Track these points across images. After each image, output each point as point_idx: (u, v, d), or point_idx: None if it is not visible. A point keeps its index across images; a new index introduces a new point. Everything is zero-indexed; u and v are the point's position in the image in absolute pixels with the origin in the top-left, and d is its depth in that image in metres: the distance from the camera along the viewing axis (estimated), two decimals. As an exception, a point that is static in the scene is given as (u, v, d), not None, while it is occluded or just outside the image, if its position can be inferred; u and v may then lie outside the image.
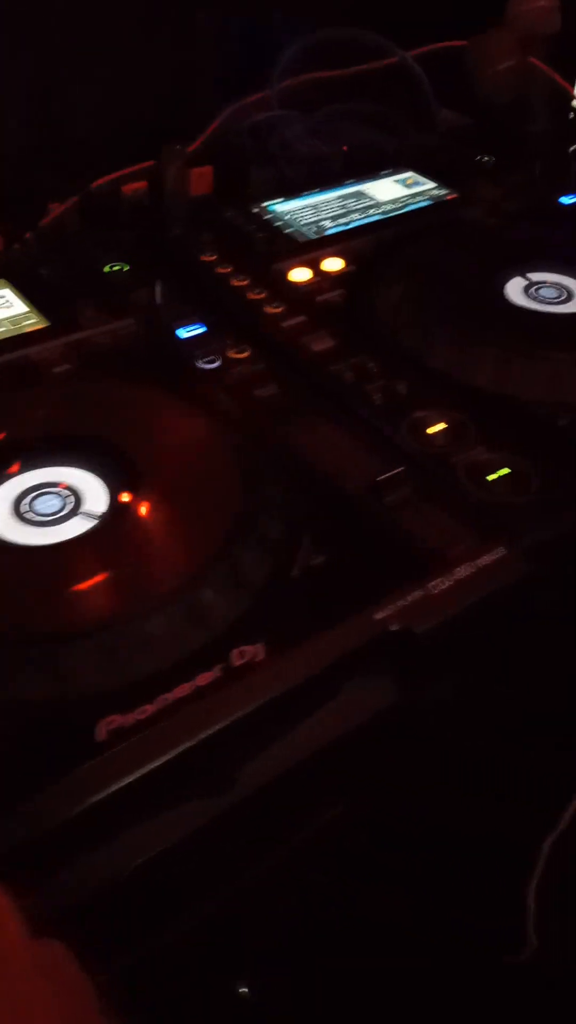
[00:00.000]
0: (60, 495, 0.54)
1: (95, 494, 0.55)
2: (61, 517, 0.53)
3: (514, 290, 0.74)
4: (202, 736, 0.43)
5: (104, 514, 0.53)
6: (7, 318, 0.73)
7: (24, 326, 0.72)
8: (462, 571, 0.51)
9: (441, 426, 0.61)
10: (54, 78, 0.93)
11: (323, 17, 1.00)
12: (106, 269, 0.79)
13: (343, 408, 0.64)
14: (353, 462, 0.59)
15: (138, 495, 0.54)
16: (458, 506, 0.56)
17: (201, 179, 0.97)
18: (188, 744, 0.43)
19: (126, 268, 0.79)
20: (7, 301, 0.75)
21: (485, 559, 0.52)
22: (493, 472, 0.57)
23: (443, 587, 0.50)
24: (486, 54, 1.02)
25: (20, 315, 0.73)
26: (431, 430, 0.61)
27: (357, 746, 0.49)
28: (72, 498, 0.54)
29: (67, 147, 0.95)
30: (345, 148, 1.01)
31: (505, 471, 0.57)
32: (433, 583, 0.50)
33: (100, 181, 0.91)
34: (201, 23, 1.02)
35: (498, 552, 0.52)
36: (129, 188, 0.90)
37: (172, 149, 0.81)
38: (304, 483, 0.57)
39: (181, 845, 0.43)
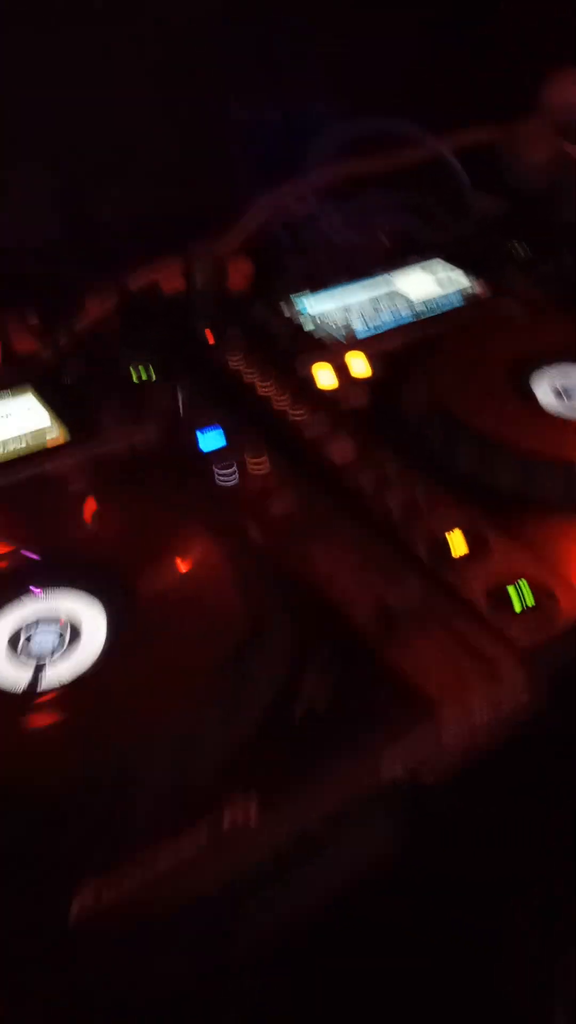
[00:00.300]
0: (58, 631, 0.53)
1: (93, 627, 0.53)
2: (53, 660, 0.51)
3: (544, 392, 0.71)
4: (184, 902, 0.41)
5: (91, 667, 0.51)
6: (29, 432, 0.72)
7: (45, 440, 0.71)
8: (478, 713, 0.48)
9: (458, 537, 0.58)
10: (86, 168, 0.95)
11: (358, 105, 1.00)
12: (131, 371, 0.79)
13: (360, 521, 0.62)
14: (365, 585, 0.56)
15: (132, 638, 0.52)
16: (475, 636, 0.52)
17: (239, 272, 0.97)
18: (172, 909, 0.41)
19: (151, 369, 0.79)
20: (30, 410, 0.75)
21: (503, 700, 0.49)
22: (512, 582, 0.54)
23: (456, 731, 0.47)
24: (521, 143, 1.01)
25: (42, 428, 0.73)
26: (450, 543, 0.58)
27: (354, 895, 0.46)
28: (67, 635, 0.53)
29: (98, 238, 0.97)
30: (382, 239, 1.02)
31: (529, 601, 0.53)
32: (445, 727, 0.47)
33: (135, 276, 0.91)
34: (235, 111, 1.04)
35: (517, 690, 0.49)
36: (169, 287, 0.91)
37: (200, 249, 0.82)
38: (312, 612, 0.54)
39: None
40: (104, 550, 0.59)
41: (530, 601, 0.54)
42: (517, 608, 0.54)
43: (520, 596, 0.54)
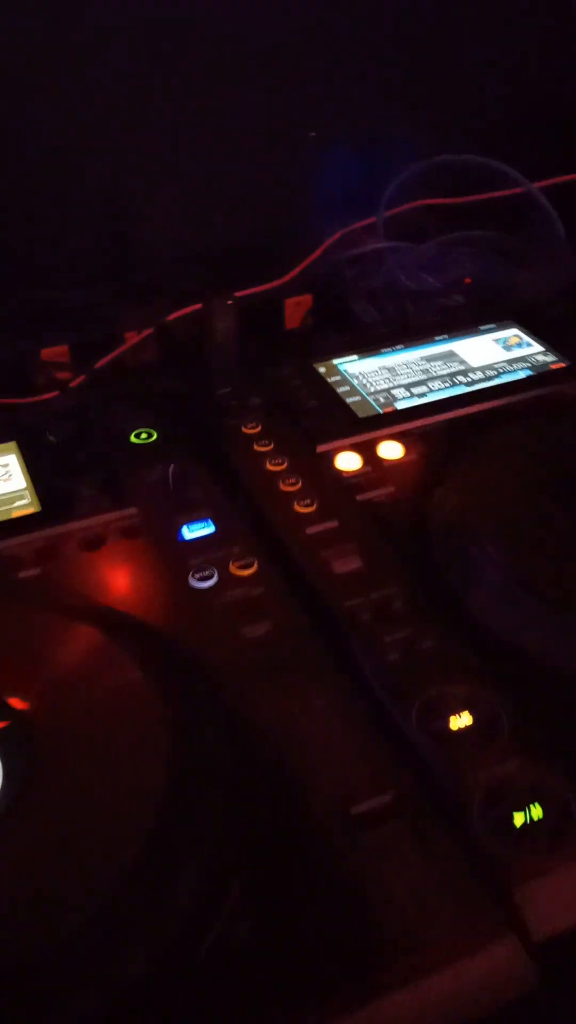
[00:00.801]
0: None
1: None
2: None
3: None
4: None
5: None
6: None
7: (12, 508, 0.62)
8: (459, 973, 0.36)
9: (464, 719, 0.45)
10: (136, 199, 0.86)
11: (441, 141, 0.89)
12: (132, 437, 0.69)
13: (347, 665, 0.50)
14: (334, 761, 0.44)
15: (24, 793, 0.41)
16: (465, 860, 0.40)
17: (298, 309, 0.89)
18: None
19: (153, 436, 0.69)
20: (7, 472, 0.66)
21: (495, 956, 0.36)
22: (521, 808, 0.41)
23: (426, 997, 0.35)
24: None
25: (14, 493, 0.64)
26: (451, 723, 0.45)
27: None
28: None
29: (144, 271, 0.88)
30: (468, 280, 0.90)
31: (537, 812, 0.41)
32: (411, 986, 0.35)
33: (176, 314, 0.83)
34: (312, 141, 0.93)
35: (511, 947, 0.36)
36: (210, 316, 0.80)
37: (219, 302, 0.71)
38: (256, 789, 0.43)
39: None
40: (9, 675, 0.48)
41: (537, 815, 0.41)
42: (518, 822, 0.41)
43: (527, 815, 0.41)
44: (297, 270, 0.90)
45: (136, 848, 0.37)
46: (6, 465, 0.66)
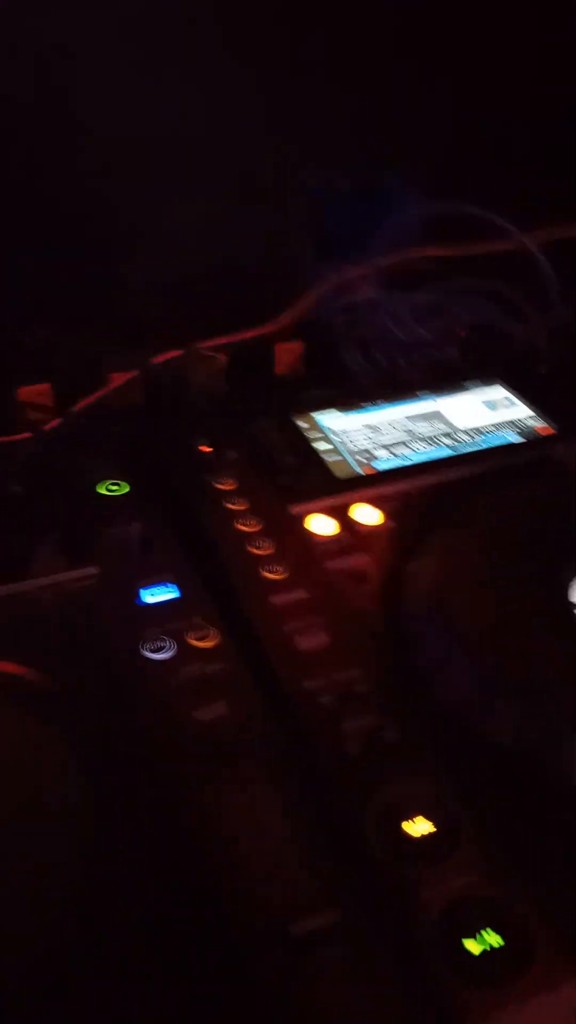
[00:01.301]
0: None
1: None
2: None
3: None
4: None
5: None
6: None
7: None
8: None
9: (425, 827, 0.41)
10: (120, 234, 0.85)
11: (438, 190, 0.87)
12: (99, 488, 0.65)
13: (304, 754, 0.46)
14: (276, 874, 0.40)
15: None
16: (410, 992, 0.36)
17: (287, 355, 0.86)
18: None
19: (123, 489, 0.65)
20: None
21: None
22: (474, 935, 0.37)
23: None
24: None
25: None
26: (409, 829, 0.41)
27: None
28: None
29: (127, 312, 0.85)
30: (463, 333, 0.87)
31: (495, 941, 0.37)
32: None
33: (162, 357, 0.80)
34: (302, 182, 0.91)
35: None
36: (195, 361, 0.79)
37: (198, 351, 0.69)
38: (187, 899, 0.38)
39: None
40: None
41: (496, 942, 0.37)
42: (476, 951, 0.37)
43: (483, 942, 0.37)
44: (288, 316, 0.88)
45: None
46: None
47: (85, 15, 0.74)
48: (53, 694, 0.47)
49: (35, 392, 0.78)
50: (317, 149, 0.89)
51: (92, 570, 0.58)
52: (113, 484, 0.66)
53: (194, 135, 0.83)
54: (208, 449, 0.69)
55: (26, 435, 0.73)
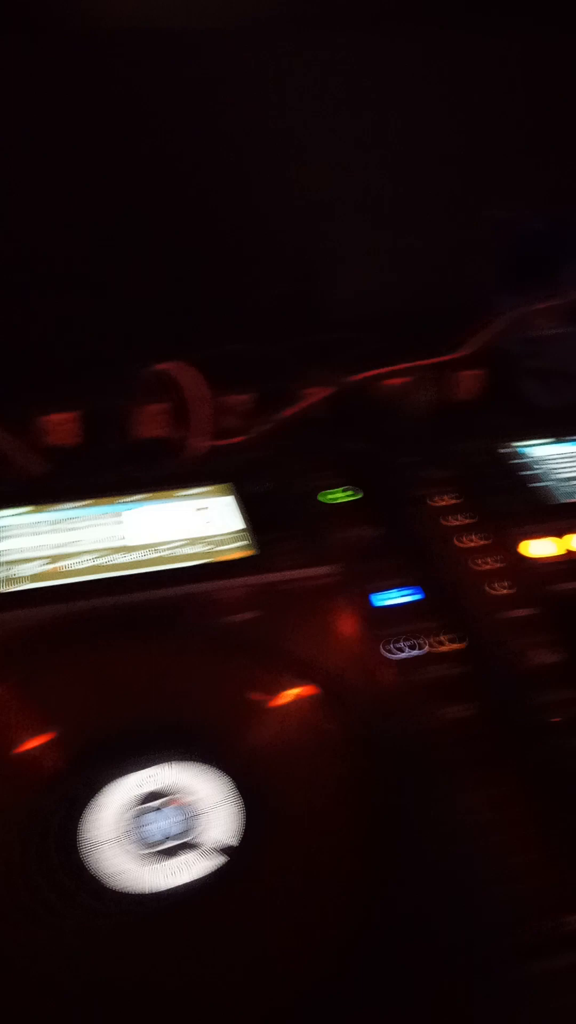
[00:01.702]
0: (176, 812, 0.46)
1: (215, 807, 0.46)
2: (177, 846, 0.45)
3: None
4: None
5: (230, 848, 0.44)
6: (216, 536, 0.66)
7: (228, 550, 0.65)
8: None
9: None
10: (323, 259, 0.91)
11: None
12: (331, 495, 0.72)
13: (527, 779, 0.47)
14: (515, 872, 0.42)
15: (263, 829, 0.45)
16: None
17: (468, 383, 0.90)
18: None
19: (356, 496, 0.72)
20: (230, 511, 0.69)
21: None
22: None
23: None
24: None
25: (231, 534, 0.67)
26: None
27: None
28: (188, 820, 0.46)
29: (327, 329, 0.90)
30: None
31: None
32: None
33: (359, 376, 0.86)
34: (491, 216, 0.95)
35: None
36: (388, 383, 0.85)
37: (423, 373, 0.74)
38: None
39: None
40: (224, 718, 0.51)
41: None
42: None
43: None
44: (472, 344, 0.91)
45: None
46: (228, 505, 0.71)
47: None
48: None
49: (236, 401, 0.84)
50: (506, 184, 0.93)
51: (328, 569, 0.63)
52: (340, 491, 0.72)
53: (389, 171, 0.89)
54: (418, 467, 0.74)
55: (239, 438, 0.80)
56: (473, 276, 0.96)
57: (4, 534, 0.65)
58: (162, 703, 0.52)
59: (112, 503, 0.69)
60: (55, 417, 0.73)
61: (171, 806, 0.46)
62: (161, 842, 0.44)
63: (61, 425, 0.73)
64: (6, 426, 0.72)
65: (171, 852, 0.44)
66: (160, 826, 0.45)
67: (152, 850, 0.44)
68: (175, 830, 0.45)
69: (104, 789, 0.46)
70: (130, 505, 0.69)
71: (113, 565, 0.63)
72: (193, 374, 0.78)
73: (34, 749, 0.48)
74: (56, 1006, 0.37)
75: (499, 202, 0.94)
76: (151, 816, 0.45)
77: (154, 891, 0.42)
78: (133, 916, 0.41)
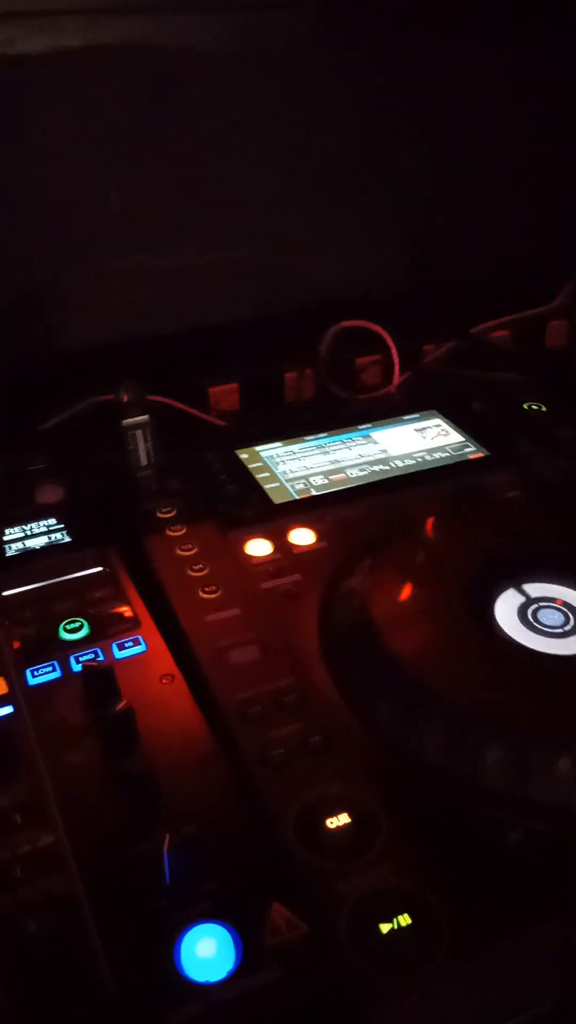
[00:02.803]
0: (560, 610, 0.55)
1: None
2: (566, 631, 0.54)
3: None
4: None
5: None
6: (448, 445, 0.77)
7: (466, 453, 0.75)
8: None
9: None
10: (433, 223, 0.99)
11: None
12: (524, 406, 0.82)
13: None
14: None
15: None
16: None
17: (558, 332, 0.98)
18: None
19: (543, 408, 0.82)
20: (443, 430, 0.79)
21: None
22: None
23: None
24: None
25: (458, 443, 0.77)
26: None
27: None
28: (571, 615, 0.55)
29: (444, 291, 0.99)
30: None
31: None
32: None
33: (476, 329, 0.95)
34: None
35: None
36: (496, 335, 0.95)
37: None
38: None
39: None
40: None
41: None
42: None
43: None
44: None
45: None
46: (439, 425, 0.81)
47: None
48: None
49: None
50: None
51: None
52: (534, 405, 0.84)
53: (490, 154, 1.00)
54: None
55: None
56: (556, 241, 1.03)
57: (278, 460, 0.75)
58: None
59: (351, 431, 0.80)
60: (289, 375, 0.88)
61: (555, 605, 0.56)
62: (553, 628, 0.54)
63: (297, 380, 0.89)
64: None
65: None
66: (548, 616, 0.55)
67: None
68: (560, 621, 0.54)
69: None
70: (365, 431, 0.80)
71: (386, 470, 0.74)
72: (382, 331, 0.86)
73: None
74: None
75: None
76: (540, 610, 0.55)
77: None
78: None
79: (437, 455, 0.76)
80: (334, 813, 0.44)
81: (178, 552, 0.64)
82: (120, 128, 0.79)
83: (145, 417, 0.69)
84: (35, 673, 0.54)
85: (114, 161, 0.81)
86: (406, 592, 0.57)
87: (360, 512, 0.68)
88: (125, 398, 0.68)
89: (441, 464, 0.75)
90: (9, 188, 0.78)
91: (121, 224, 0.83)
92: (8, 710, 0.50)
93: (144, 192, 0.83)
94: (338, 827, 0.44)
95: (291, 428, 0.79)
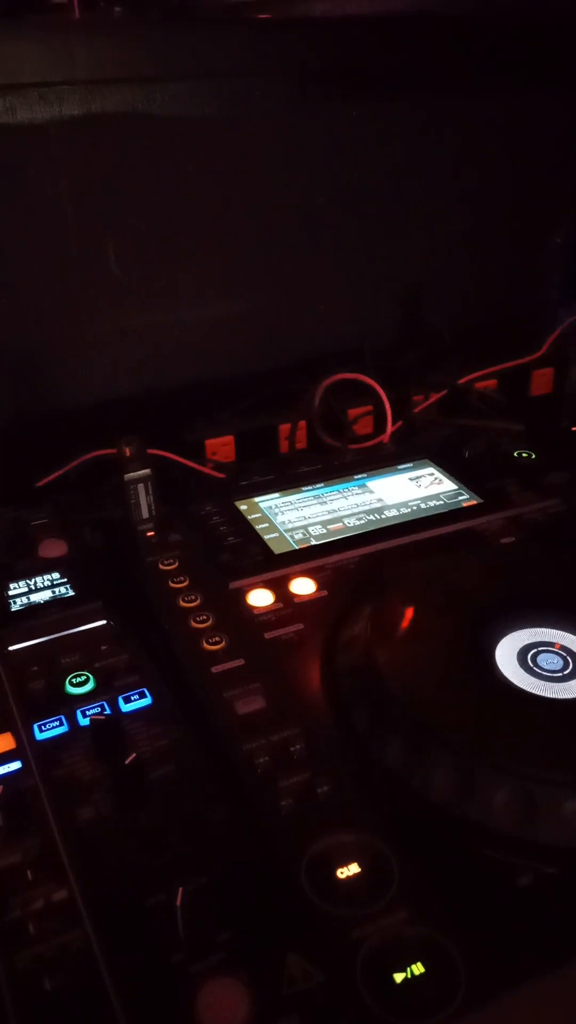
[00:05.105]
0: (559, 655, 0.56)
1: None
2: (565, 675, 0.55)
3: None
4: None
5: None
6: (441, 493, 0.79)
7: (459, 501, 0.77)
8: None
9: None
10: (424, 274, 1.02)
11: None
12: (515, 454, 0.85)
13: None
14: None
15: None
16: None
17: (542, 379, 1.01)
18: None
19: (533, 455, 0.85)
20: (437, 478, 0.82)
21: None
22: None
23: None
24: None
25: (451, 491, 0.79)
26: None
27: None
28: (569, 660, 0.56)
29: (432, 342, 1.02)
30: None
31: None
32: None
33: (464, 380, 0.97)
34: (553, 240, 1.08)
35: None
36: (481, 385, 0.96)
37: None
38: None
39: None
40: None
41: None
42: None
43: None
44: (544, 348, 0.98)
45: None
46: (432, 474, 0.83)
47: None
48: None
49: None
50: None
51: (556, 501, 0.78)
52: (524, 453, 0.85)
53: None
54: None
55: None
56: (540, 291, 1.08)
57: (277, 511, 0.77)
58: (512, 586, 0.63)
59: (347, 480, 0.82)
60: (283, 426, 0.90)
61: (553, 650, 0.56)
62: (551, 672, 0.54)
63: (291, 432, 0.90)
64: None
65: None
66: (547, 660, 0.55)
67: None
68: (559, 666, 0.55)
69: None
70: (361, 481, 0.82)
71: (382, 519, 0.75)
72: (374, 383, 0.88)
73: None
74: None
75: (559, 230, 1.08)
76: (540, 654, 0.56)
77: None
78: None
79: (432, 503, 0.78)
80: (346, 862, 0.44)
81: (181, 603, 0.65)
82: (117, 191, 0.82)
83: (147, 471, 0.70)
84: (43, 728, 0.54)
85: (112, 222, 0.84)
86: (407, 637, 0.58)
87: (359, 560, 0.69)
88: (127, 452, 0.69)
89: (436, 512, 0.76)
90: (11, 249, 0.81)
91: (118, 283, 0.86)
92: (16, 765, 0.50)
93: (142, 251, 0.86)
94: (350, 876, 0.44)
95: (288, 479, 0.80)
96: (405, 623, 0.58)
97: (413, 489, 0.80)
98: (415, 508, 0.77)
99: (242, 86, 0.83)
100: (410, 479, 0.82)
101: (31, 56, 0.74)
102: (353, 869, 0.44)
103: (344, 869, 0.44)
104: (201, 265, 0.88)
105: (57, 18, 0.77)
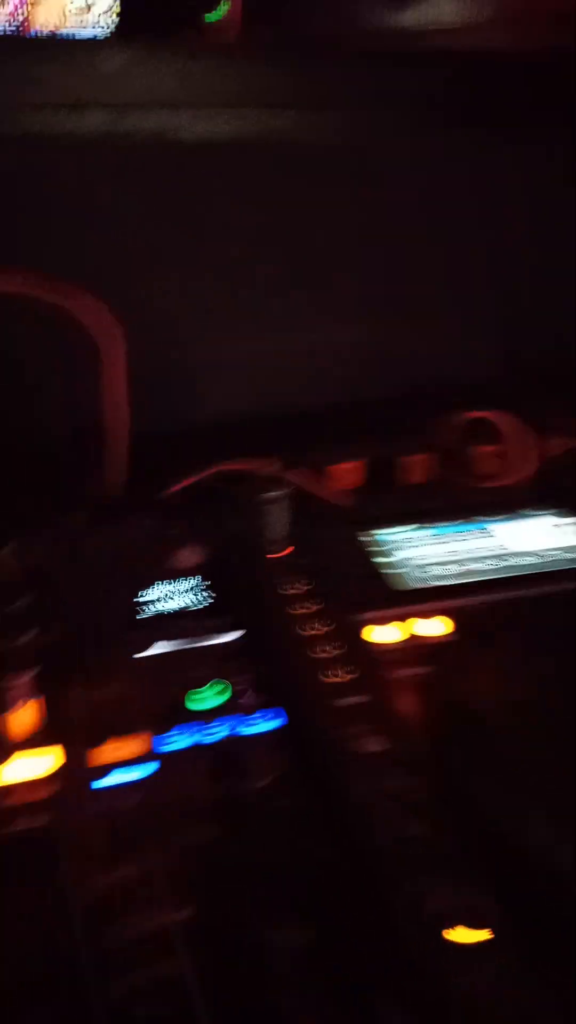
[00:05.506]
0: None
1: None
2: None
3: None
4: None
5: None
6: None
7: None
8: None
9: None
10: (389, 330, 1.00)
11: None
12: None
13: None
14: None
15: None
16: None
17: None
18: None
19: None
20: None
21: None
22: None
23: None
24: None
25: None
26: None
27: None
28: None
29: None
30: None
31: None
32: None
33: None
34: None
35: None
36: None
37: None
38: None
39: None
40: None
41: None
42: None
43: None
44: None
45: None
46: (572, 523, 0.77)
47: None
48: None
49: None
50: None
51: None
52: None
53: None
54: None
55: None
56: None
57: (400, 546, 0.76)
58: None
59: (474, 522, 0.80)
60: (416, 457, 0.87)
61: None
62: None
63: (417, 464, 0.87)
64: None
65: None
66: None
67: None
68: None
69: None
70: (487, 523, 0.80)
71: (510, 566, 0.73)
72: (512, 419, 0.86)
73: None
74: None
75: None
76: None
77: None
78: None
79: (569, 552, 0.74)
80: (463, 924, 0.43)
81: (307, 632, 0.64)
82: (265, 218, 0.85)
83: (285, 491, 0.70)
84: (163, 741, 0.54)
85: (260, 243, 0.86)
86: (525, 688, 0.56)
87: (486, 607, 0.68)
88: (269, 470, 0.69)
89: (571, 563, 0.73)
90: (172, 274, 0.84)
91: (255, 305, 0.88)
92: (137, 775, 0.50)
93: (277, 278, 0.88)
94: (465, 941, 0.42)
95: (412, 514, 0.79)
96: (521, 677, 0.58)
97: (546, 536, 0.77)
98: (548, 557, 0.74)
99: (380, 117, 0.84)
100: (546, 525, 0.79)
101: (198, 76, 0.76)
102: (472, 935, 0.42)
103: (462, 932, 0.42)
104: (331, 292, 0.89)
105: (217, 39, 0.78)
